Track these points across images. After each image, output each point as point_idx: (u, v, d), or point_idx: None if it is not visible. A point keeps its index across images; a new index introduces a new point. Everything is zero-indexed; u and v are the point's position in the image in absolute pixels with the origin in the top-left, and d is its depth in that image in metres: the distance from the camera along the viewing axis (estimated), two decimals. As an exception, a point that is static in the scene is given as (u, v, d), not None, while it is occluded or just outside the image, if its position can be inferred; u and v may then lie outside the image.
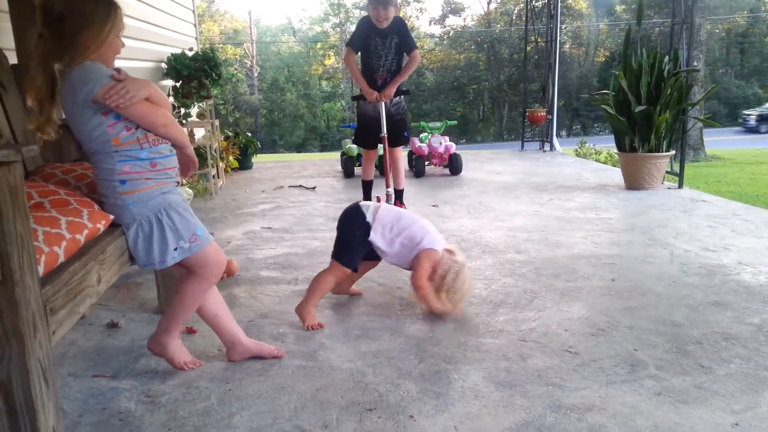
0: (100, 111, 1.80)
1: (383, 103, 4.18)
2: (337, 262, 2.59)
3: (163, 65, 5.88)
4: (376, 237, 2.58)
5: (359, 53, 4.31)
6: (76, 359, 2.23)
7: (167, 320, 2.09)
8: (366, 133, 4.42)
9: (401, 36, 4.20)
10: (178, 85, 5.87)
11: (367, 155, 4.59)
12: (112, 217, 1.85)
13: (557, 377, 2.01)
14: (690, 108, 5.56)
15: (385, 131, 4.20)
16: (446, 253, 2.58)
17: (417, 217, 2.71)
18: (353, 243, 2.61)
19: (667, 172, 5.58)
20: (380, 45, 4.18)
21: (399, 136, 4.37)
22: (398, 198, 4.45)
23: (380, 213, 2.62)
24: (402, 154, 4.51)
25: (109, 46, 1.89)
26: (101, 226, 1.77)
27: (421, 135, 7.03)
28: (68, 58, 1.82)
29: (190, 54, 5.97)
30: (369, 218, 2.59)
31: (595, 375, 2.02)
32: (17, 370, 1.26)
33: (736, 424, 1.72)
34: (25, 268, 1.25)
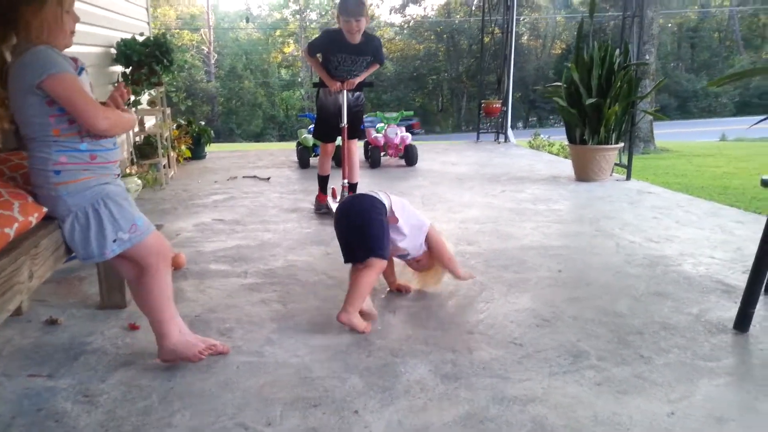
0: (45, 99, 1.73)
1: (345, 94, 4.11)
2: (376, 258, 2.38)
3: (113, 50, 5.71)
4: (402, 222, 2.54)
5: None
6: (11, 358, 2.15)
7: (157, 325, 2.03)
8: (326, 126, 4.35)
9: (374, 54, 4.14)
10: (128, 71, 5.70)
11: (324, 149, 4.49)
12: (45, 209, 1.78)
13: (502, 369, 2.04)
14: (639, 101, 5.69)
15: (346, 121, 4.15)
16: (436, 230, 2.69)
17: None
18: (386, 232, 2.46)
19: (615, 164, 5.70)
20: (348, 61, 4.06)
21: (356, 128, 4.34)
22: (352, 190, 4.42)
23: (392, 197, 2.59)
24: (357, 146, 4.47)
25: (59, 24, 1.78)
26: (33, 219, 1.71)
27: (377, 125, 7.01)
28: (15, 39, 1.74)
29: (140, 39, 5.80)
30: (387, 204, 2.53)
31: (539, 366, 2.05)
32: (-65, 374, 1.20)
33: (672, 413, 1.77)
34: (-57, 267, 1.19)
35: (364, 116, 4.57)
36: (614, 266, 3.10)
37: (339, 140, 4.34)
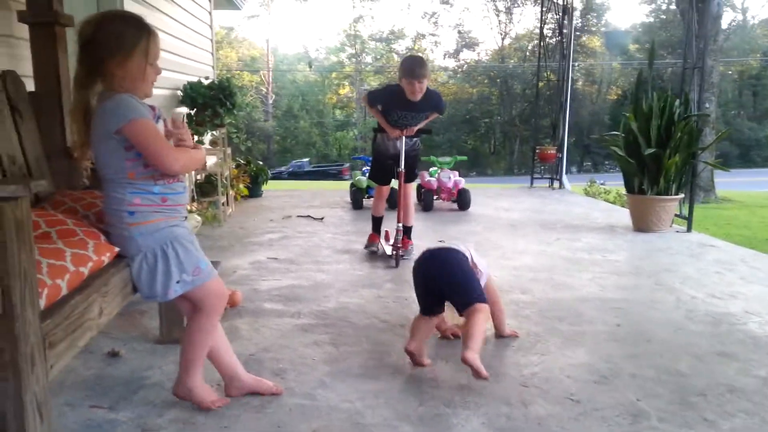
0: (123, 144, 1.82)
1: (403, 140, 4.14)
2: (481, 303, 2.40)
3: (179, 93, 5.97)
4: (481, 272, 2.62)
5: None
6: (74, 388, 2.23)
7: (185, 363, 2.07)
8: (381, 169, 4.43)
9: (435, 108, 4.21)
10: (192, 112, 5.95)
11: (379, 191, 4.55)
12: (117, 249, 1.86)
13: (558, 426, 1.98)
14: (701, 152, 5.56)
15: (403, 166, 4.18)
16: None
17: None
18: (476, 278, 2.54)
19: (675, 215, 5.56)
20: (408, 117, 4.12)
21: (412, 172, 4.40)
22: (406, 234, 4.44)
23: (470, 248, 2.69)
24: (413, 190, 4.51)
25: (142, 75, 1.87)
26: (106, 258, 1.78)
27: (430, 169, 7.06)
28: (99, 85, 1.85)
29: (206, 82, 6.06)
30: (468, 254, 2.62)
31: (597, 425, 1.99)
32: (12, 404, 1.26)
33: (739, 483, 1.68)
34: (27, 302, 1.26)
35: (418, 161, 4.61)
36: (675, 322, 2.99)
37: (394, 182, 4.39)
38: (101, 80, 1.85)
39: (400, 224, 4.21)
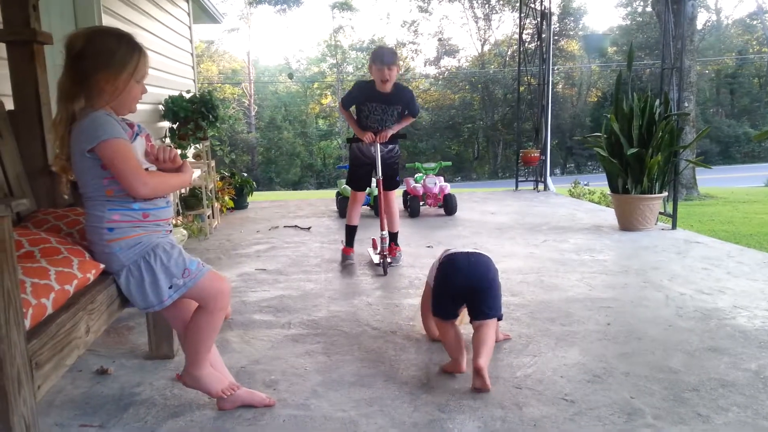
0: (99, 163, 1.81)
1: (378, 147, 4.15)
2: (497, 319, 2.47)
3: (161, 107, 5.94)
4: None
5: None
6: (63, 408, 2.19)
7: (191, 355, 2.07)
8: (357, 174, 4.37)
9: (406, 106, 4.18)
10: (174, 126, 5.91)
11: (354, 197, 4.44)
12: (102, 266, 1.84)
13: (554, 427, 1.98)
14: (682, 150, 5.62)
15: (380, 174, 4.17)
16: None
17: None
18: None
19: (660, 213, 5.61)
20: (379, 110, 4.11)
21: (392, 180, 4.36)
22: (393, 240, 4.43)
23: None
24: (395, 196, 4.48)
25: (128, 92, 1.89)
26: (91, 275, 1.76)
27: (416, 176, 7.07)
28: (83, 99, 1.83)
29: (187, 96, 6.03)
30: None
31: (592, 425, 1.99)
32: (0, 427, 1.23)
33: (736, 477, 1.69)
34: (12, 324, 1.23)
35: (398, 168, 4.55)
36: (665, 320, 3.01)
37: (374, 189, 4.36)
38: (85, 94, 1.83)
39: (385, 232, 4.18)
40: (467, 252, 2.62)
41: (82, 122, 1.80)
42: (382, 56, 3.96)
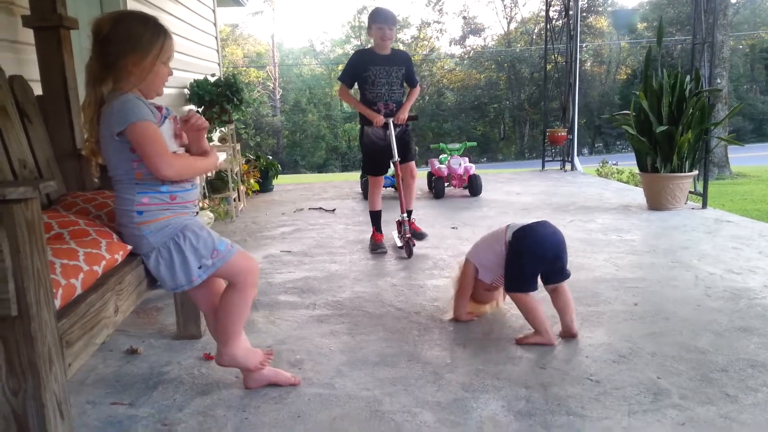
0: (128, 146, 1.83)
1: (392, 128, 4.10)
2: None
3: (186, 91, 5.99)
4: None
5: (356, 86, 4.22)
6: (95, 386, 2.24)
7: (223, 334, 2.10)
8: (374, 160, 4.31)
9: (407, 69, 4.16)
10: (200, 110, 5.96)
11: (375, 182, 4.41)
12: (130, 247, 1.87)
13: (578, 406, 1.97)
14: (713, 128, 5.49)
15: (397, 156, 4.13)
16: None
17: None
18: None
19: (690, 192, 5.50)
20: (381, 74, 4.06)
21: (408, 153, 4.28)
22: (409, 217, 4.37)
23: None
24: (414, 168, 4.40)
25: (155, 74, 1.91)
26: (119, 256, 1.79)
27: (440, 156, 7.04)
28: (111, 83, 1.85)
29: (212, 80, 6.07)
30: None
31: (618, 404, 1.98)
32: (32, 403, 1.27)
33: (764, 458, 1.66)
34: (42, 303, 1.26)
35: (412, 140, 4.47)
36: (694, 299, 2.96)
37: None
38: (113, 77, 1.85)
39: (404, 214, 4.15)
40: (538, 222, 2.63)
41: (112, 105, 1.82)
42: (383, 15, 4.01)
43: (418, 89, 4.36)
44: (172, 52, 1.96)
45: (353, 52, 4.34)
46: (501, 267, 2.61)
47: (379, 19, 3.98)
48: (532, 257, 2.53)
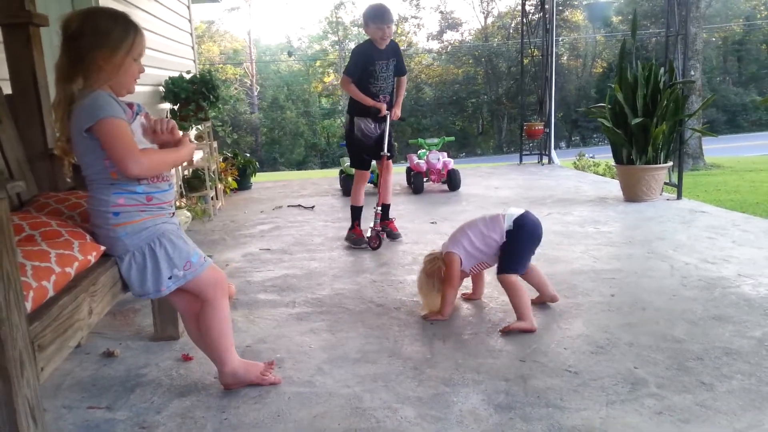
0: (99, 144, 1.78)
1: (388, 121, 4.22)
2: None
3: (161, 89, 5.91)
4: None
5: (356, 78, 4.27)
6: (71, 390, 2.21)
7: (216, 356, 2.09)
8: (362, 153, 4.34)
9: (398, 59, 4.25)
10: (176, 108, 5.89)
11: (360, 176, 4.42)
12: (103, 248, 1.84)
13: (557, 398, 1.99)
14: (687, 119, 5.56)
15: (387, 150, 4.24)
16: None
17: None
18: None
19: (665, 183, 5.57)
20: (384, 67, 4.15)
21: (391, 149, 4.39)
22: (387, 214, 4.45)
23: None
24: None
25: (126, 71, 1.87)
26: (92, 257, 1.76)
27: (419, 152, 7.04)
28: (81, 80, 1.81)
29: (187, 77, 6.00)
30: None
31: (596, 395, 2.00)
32: (4, 409, 1.24)
33: (739, 444, 1.69)
34: (12, 306, 1.24)
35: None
36: (669, 289, 3.00)
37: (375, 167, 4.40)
38: (83, 74, 1.81)
39: (379, 208, 4.24)
40: (526, 210, 2.84)
41: (82, 102, 1.78)
42: (383, 14, 4.07)
43: (405, 79, 4.44)
44: (144, 48, 1.93)
45: (353, 50, 4.37)
46: (486, 254, 2.77)
47: (379, 20, 4.05)
48: (531, 241, 2.76)
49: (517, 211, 2.79)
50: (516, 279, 2.66)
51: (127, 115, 1.85)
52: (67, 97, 1.83)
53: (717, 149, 16.65)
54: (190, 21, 7.55)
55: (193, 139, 6.17)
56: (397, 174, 7.68)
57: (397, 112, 4.27)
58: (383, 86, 4.21)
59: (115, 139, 1.76)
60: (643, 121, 5.15)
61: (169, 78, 5.88)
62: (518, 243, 2.72)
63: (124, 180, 1.84)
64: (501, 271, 2.70)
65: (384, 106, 4.15)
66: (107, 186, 1.85)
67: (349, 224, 4.44)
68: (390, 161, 4.38)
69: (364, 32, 4.28)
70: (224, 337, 2.08)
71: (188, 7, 7.50)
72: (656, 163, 5.31)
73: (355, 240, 4.31)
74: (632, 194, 5.41)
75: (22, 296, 1.29)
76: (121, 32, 1.84)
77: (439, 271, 2.77)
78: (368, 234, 4.25)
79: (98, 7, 1.92)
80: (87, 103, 1.77)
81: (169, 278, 1.91)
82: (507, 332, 2.55)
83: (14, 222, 1.69)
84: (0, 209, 1.23)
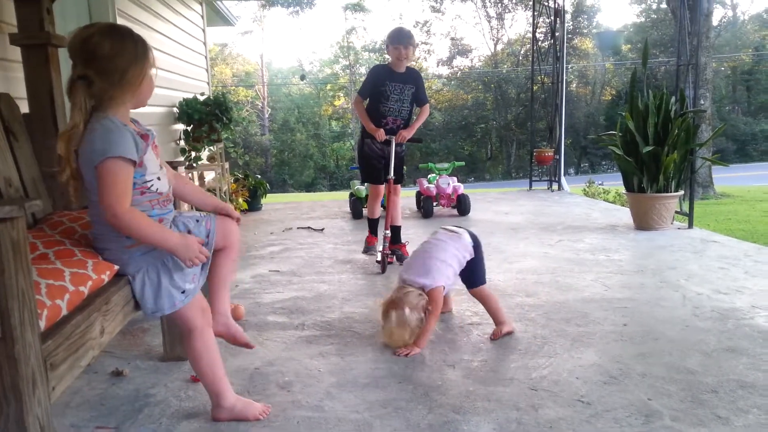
0: None
1: (393, 146, 4.27)
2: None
3: (175, 110, 5.98)
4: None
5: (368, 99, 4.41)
6: (80, 409, 2.20)
7: (211, 386, 2.05)
8: (373, 168, 4.48)
9: (418, 87, 4.33)
10: (189, 129, 5.95)
11: (375, 191, 4.60)
12: (116, 267, 1.84)
13: (570, 429, 1.96)
14: (698, 148, 5.55)
15: (392, 174, 4.29)
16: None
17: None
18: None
19: (676, 212, 5.55)
20: (396, 90, 4.25)
21: (401, 174, 4.53)
22: (398, 237, 4.50)
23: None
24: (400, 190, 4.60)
25: (147, 84, 1.88)
26: (106, 277, 1.76)
27: (429, 176, 7.05)
28: (97, 101, 1.77)
29: (201, 98, 6.07)
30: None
31: (609, 426, 1.97)
32: (15, 428, 1.23)
33: (757, 480, 1.66)
34: (26, 324, 1.24)
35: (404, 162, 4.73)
36: (682, 320, 2.97)
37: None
38: (107, 95, 1.77)
39: (388, 231, 4.28)
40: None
41: (93, 133, 1.73)
42: (400, 36, 4.19)
43: (427, 109, 4.56)
44: (154, 61, 1.90)
45: (372, 67, 4.59)
46: (456, 275, 2.85)
47: (396, 40, 4.18)
48: (481, 251, 2.97)
49: (454, 228, 2.98)
50: (487, 288, 2.91)
51: (141, 147, 1.79)
52: (84, 120, 1.76)
53: (727, 178, 16.59)
54: (204, 44, 7.67)
55: (205, 161, 6.21)
56: (407, 198, 7.72)
57: (404, 134, 4.29)
58: (394, 108, 4.29)
59: (111, 183, 1.70)
60: (654, 150, 5.15)
61: (184, 99, 5.95)
62: (480, 255, 2.92)
63: (136, 206, 1.80)
64: (475, 285, 2.89)
65: (381, 132, 4.23)
66: None
67: (359, 247, 4.54)
68: (398, 185, 4.46)
69: (375, 58, 4.39)
70: (218, 367, 2.04)
71: (203, 30, 7.61)
72: (667, 192, 5.29)
73: (366, 246, 4.64)
74: (643, 222, 5.39)
75: (36, 315, 1.29)
76: (141, 47, 1.83)
77: (426, 305, 2.68)
78: (378, 258, 4.27)
79: (110, 24, 1.86)
80: (99, 135, 1.72)
81: (182, 292, 1.91)
82: (496, 339, 2.78)
83: (29, 240, 1.69)
84: (17, 228, 1.24)
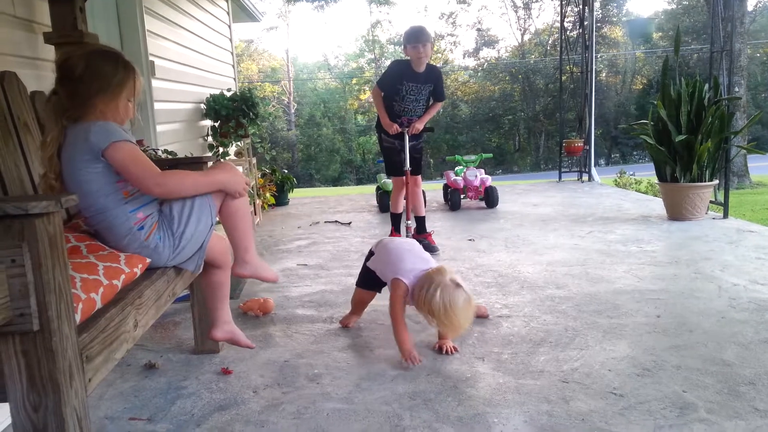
0: (110, 168, 1.81)
1: (407, 138, 4.28)
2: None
3: (202, 106, 6.03)
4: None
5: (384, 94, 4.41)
6: (113, 401, 2.24)
7: (245, 243, 2.28)
8: (394, 161, 4.49)
9: (436, 86, 4.31)
10: (216, 125, 6.00)
11: (398, 183, 4.57)
12: (149, 260, 1.87)
13: (602, 421, 1.93)
14: (733, 136, 5.42)
15: (408, 165, 4.32)
16: (431, 272, 2.47)
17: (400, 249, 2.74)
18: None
19: (711, 201, 5.42)
20: (413, 90, 4.23)
21: (418, 166, 4.54)
22: (422, 226, 4.52)
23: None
24: (420, 182, 4.62)
25: (124, 112, 1.90)
26: (138, 270, 1.79)
27: (456, 168, 7.01)
28: (78, 117, 1.83)
29: (228, 94, 6.11)
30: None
31: (642, 419, 1.93)
32: (53, 418, 1.26)
33: (797, 475, 1.61)
34: (63, 317, 1.26)
35: (423, 153, 4.76)
36: (717, 311, 2.91)
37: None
38: (81, 113, 1.83)
39: (410, 221, 4.30)
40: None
41: (87, 129, 1.78)
42: (417, 35, 4.13)
43: (440, 104, 4.55)
44: (140, 89, 1.96)
45: (393, 61, 4.53)
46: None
47: (413, 40, 4.13)
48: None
49: (389, 239, 3.00)
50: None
51: (132, 138, 1.90)
52: (61, 134, 1.82)
53: (763, 167, 16.17)
54: (230, 40, 7.71)
55: (233, 157, 6.27)
56: (434, 191, 7.69)
57: (418, 126, 4.29)
58: (408, 108, 4.28)
59: (134, 161, 1.79)
60: (687, 139, 5.04)
61: (210, 95, 5.99)
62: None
63: (136, 194, 1.88)
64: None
65: (395, 126, 4.23)
66: (121, 207, 1.85)
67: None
68: (417, 176, 4.48)
69: (401, 51, 4.38)
70: (251, 225, 2.25)
71: (229, 27, 7.66)
72: (701, 181, 5.18)
73: None
74: (676, 212, 5.28)
75: (72, 308, 1.32)
76: (121, 77, 1.86)
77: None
78: None
79: (99, 48, 1.91)
80: (95, 130, 1.78)
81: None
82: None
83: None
84: (54, 223, 1.26)
